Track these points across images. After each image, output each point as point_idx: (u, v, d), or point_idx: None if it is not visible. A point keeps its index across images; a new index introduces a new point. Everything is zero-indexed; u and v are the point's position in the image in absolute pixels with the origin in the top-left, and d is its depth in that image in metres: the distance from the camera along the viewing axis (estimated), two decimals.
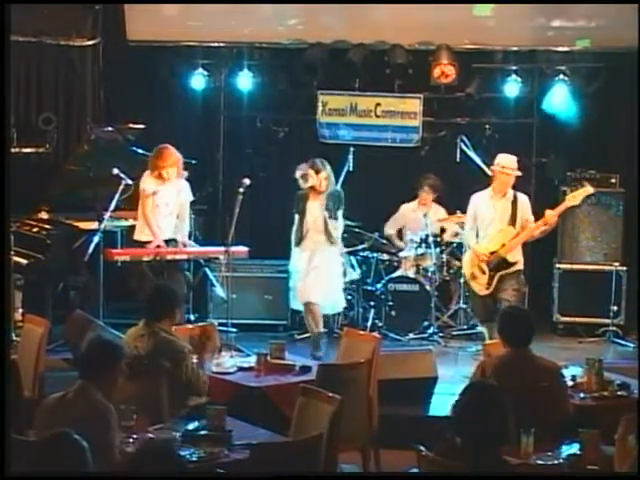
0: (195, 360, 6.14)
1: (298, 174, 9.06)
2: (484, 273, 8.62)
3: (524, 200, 8.66)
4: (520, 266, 8.62)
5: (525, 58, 10.93)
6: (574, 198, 8.80)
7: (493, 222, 8.63)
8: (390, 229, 10.66)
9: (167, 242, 8.94)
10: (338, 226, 9.08)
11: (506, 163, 8.63)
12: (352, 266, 10.17)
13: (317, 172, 8.99)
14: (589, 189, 8.88)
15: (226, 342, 7.96)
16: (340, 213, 9.08)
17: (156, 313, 6.17)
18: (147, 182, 8.83)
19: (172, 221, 8.96)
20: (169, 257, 8.85)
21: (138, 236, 8.94)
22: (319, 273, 9.00)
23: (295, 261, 9.20)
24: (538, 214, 8.76)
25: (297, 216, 9.12)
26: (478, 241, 8.69)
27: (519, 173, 8.69)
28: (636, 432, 4.23)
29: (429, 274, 10.10)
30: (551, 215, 8.60)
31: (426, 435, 4.80)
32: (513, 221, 8.57)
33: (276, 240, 10.20)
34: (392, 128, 10.97)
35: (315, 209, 9.02)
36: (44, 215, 9.64)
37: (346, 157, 10.47)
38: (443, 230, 10.35)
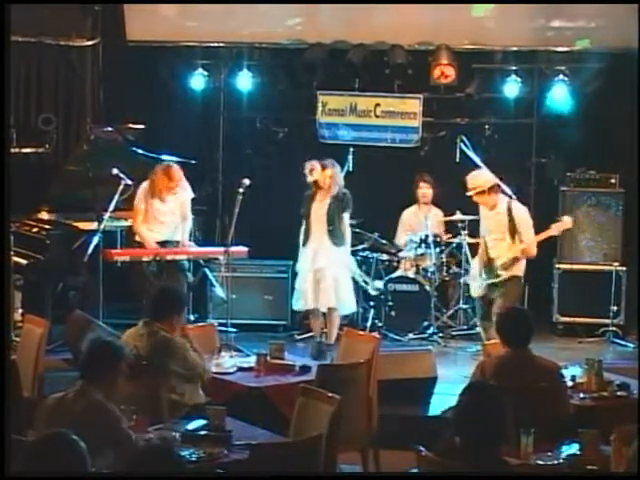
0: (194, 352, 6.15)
1: (306, 168, 9.07)
2: (480, 276, 8.68)
3: (520, 213, 8.57)
4: (515, 272, 8.55)
5: (525, 58, 10.93)
6: (557, 229, 8.78)
7: (491, 232, 8.65)
8: (401, 239, 10.60)
9: (167, 243, 8.94)
10: (343, 228, 9.04)
11: (468, 183, 8.63)
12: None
13: (323, 168, 9.00)
14: (567, 223, 8.88)
15: (226, 342, 7.95)
16: (346, 215, 9.04)
17: (158, 314, 6.16)
18: (141, 196, 8.85)
19: (172, 223, 8.97)
20: (169, 257, 8.85)
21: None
22: (325, 277, 8.96)
23: (300, 261, 9.20)
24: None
25: (303, 216, 9.12)
26: (487, 246, 8.69)
27: (470, 193, 8.61)
28: (633, 442, 4.23)
29: (429, 274, 10.10)
30: (528, 246, 8.55)
31: (426, 435, 4.79)
32: (513, 234, 8.51)
33: (276, 240, 10.20)
34: (392, 128, 10.97)
35: (319, 210, 9.01)
36: (44, 215, 9.64)
37: (346, 157, 10.47)
38: (438, 237, 10.32)
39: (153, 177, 8.92)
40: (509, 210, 8.55)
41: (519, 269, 8.58)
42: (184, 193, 9.00)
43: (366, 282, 10.09)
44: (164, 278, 8.68)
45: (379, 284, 10.07)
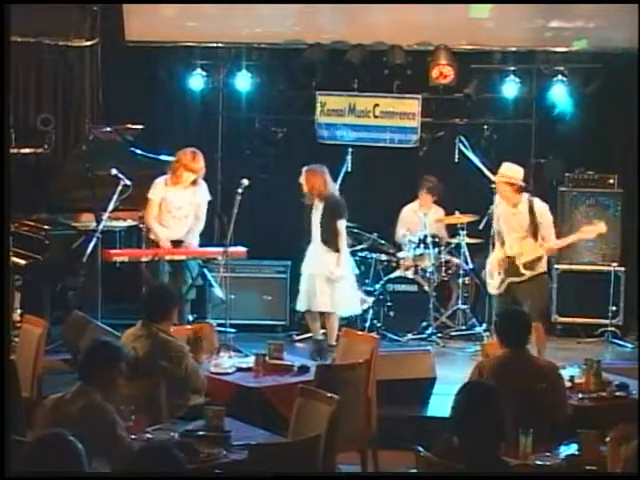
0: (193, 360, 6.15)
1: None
2: (499, 274, 8.46)
3: (541, 211, 8.36)
4: (539, 270, 8.38)
5: (523, 59, 10.93)
6: (589, 232, 8.73)
7: (513, 231, 8.41)
8: (400, 236, 10.57)
9: (176, 243, 8.91)
10: (338, 235, 8.99)
11: (502, 170, 8.48)
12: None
13: (310, 174, 9.00)
14: (603, 228, 8.70)
15: (224, 342, 7.95)
16: (340, 222, 9.00)
17: (154, 314, 6.16)
18: (158, 187, 8.78)
19: (186, 223, 8.93)
20: (167, 257, 8.83)
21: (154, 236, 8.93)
22: (320, 281, 8.98)
23: (303, 264, 9.21)
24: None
25: (305, 221, 9.14)
26: (503, 243, 8.50)
27: (501, 180, 8.42)
28: (629, 441, 4.24)
29: (427, 274, 10.10)
30: (557, 246, 8.49)
31: (425, 436, 4.80)
32: (534, 232, 8.31)
33: (275, 241, 10.21)
34: (391, 129, 10.97)
35: (315, 217, 9.03)
36: (42, 216, 9.63)
37: (344, 158, 10.49)
38: (437, 237, 10.29)
39: (178, 156, 8.84)
40: (531, 209, 8.34)
41: (543, 266, 8.43)
42: (201, 193, 8.95)
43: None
44: (163, 278, 8.67)
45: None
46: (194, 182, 8.86)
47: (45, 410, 4.99)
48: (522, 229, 8.38)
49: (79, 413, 4.82)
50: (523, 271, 8.35)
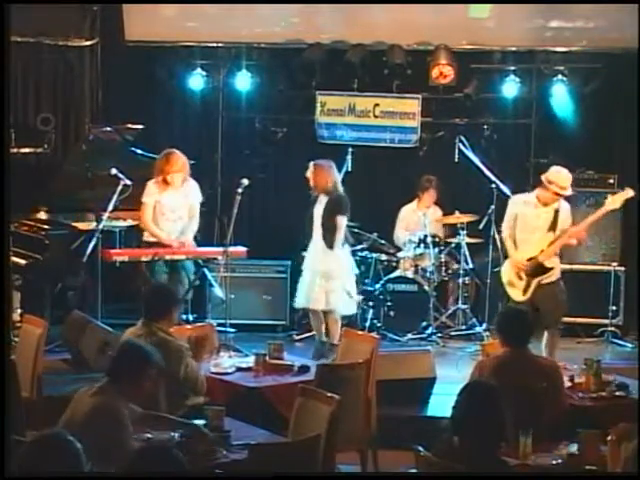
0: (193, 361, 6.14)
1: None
2: (521, 279, 8.26)
3: (566, 208, 8.28)
4: (558, 274, 8.27)
5: (523, 58, 10.94)
6: (614, 202, 8.38)
7: (536, 230, 8.27)
8: (399, 236, 10.56)
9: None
10: (338, 231, 8.96)
11: (555, 179, 8.22)
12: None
13: (316, 168, 9.00)
14: (629, 192, 8.42)
15: (224, 342, 7.96)
16: (340, 218, 8.98)
17: (154, 313, 6.16)
18: (151, 190, 8.75)
19: (181, 224, 8.90)
20: (167, 257, 8.83)
21: (147, 237, 8.90)
22: (320, 279, 8.97)
23: (305, 262, 9.21)
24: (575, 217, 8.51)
25: (307, 218, 9.13)
26: (517, 246, 8.33)
27: (567, 193, 8.23)
28: (630, 440, 4.24)
29: (427, 274, 10.10)
30: (583, 227, 8.33)
31: (424, 436, 4.79)
32: (553, 228, 8.20)
33: (275, 240, 10.21)
34: (390, 128, 10.97)
35: (317, 212, 9.01)
36: (42, 215, 9.64)
37: (344, 158, 10.48)
38: (437, 237, 10.27)
39: (155, 163, 8.81)
40: (558, 205, 8.22)
41: (558, 273, 8.28)
42: (193, 194, 8.90)
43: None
44: (163, 278, 8.66)
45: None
46: (184, 180, 8.80)
47: (73, 401, 5.00)
48: (546, 227, 8.24)
49: (94, 407, 4.83)
50: (550, 266, 8.19)
